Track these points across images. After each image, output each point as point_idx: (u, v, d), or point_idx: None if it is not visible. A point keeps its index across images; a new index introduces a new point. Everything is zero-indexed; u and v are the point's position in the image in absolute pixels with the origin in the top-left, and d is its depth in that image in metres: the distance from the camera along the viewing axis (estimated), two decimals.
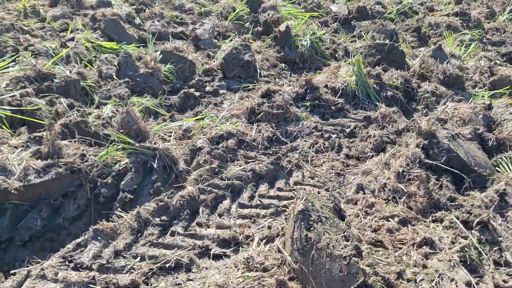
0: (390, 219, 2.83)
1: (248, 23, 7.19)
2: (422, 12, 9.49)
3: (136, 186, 3.08)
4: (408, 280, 2.32)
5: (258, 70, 5.19)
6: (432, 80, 4.77)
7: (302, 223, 2.22)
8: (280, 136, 3.87)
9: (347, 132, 4.00)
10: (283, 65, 5.60)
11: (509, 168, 3.28)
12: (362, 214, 2.87)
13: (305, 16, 7.19)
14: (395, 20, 8.54)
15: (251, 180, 3.19)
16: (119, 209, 2.88)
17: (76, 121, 3.39)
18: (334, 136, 3.90)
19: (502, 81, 4.72)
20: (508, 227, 2.84)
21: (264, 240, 2.57)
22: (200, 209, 2.87)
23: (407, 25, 7.89)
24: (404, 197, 3.00)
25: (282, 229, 2.63)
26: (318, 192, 2.57)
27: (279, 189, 3.15)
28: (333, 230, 2.24)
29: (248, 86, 4.89)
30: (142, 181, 3.15)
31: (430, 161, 3.17)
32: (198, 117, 4.02)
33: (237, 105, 4.30)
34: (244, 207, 2.95)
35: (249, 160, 3.50)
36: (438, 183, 3.10)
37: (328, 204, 2.43)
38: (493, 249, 2.65)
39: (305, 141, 3.82)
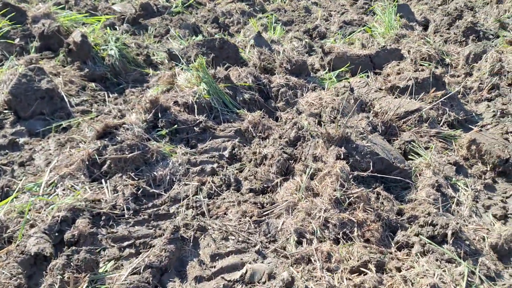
0: (362, 269, 2.01)
1: (18, 39, 5.27)
2: (204, 3, 8.90)
3: None
4: None
5: (66, 99, 3.65)
6: (279, 72, 4.11)
7: None
8: (148, 188, 2.62)
9: (227, 156, 3.01)
10: (93, 84, 4.15)
11: (423, 153, 2.83)
12: (325, 276, 1.97)
13: (99, 21, 5.69)
14: (185, 14, 7.71)
15: (152, 284, 1.91)
16: None
17: None
18: (215, 166, 2.86)
19: (340, 59, 4.38)
20: (466, 225, 2.37)
21: None
22: None
23: (204, 16, 7.14)
24: (356, 229, 2.22)
25: None
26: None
27: (198, 279, 1.99)
28: None
29: (61, 124, 3.35)
30: None
31: (360, 173, 2.47)
32: (11, 197, 2.39)
33: (61, 158, 2.80)
34: None
35: (123, 244, 2.19)
36: (377, 197, 2.42)
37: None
38: (477, 263, 2.12)
39: (186, 184, 2.67)
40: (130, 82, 4.41)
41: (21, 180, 2.61)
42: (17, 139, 3.17)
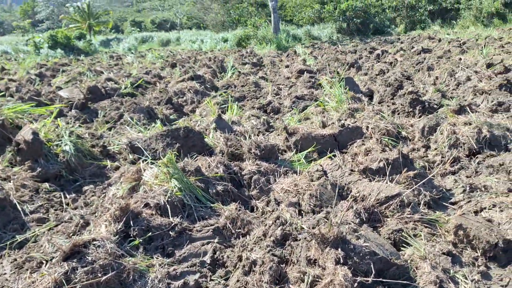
0: None
1: None
2: (153, 82, 8.85)
3: None
4: None
5: (19, 206, 3.26)
6: (248, 157, 3.98)
7: None
8: None
9: (209, 262, 2.73)
10: (46, 185, 3.78)
11: (414, 243, 2.73)
12: None
13: (47, 110, 5.38)
14: (136, 94, 7.57)
15: None
16: None
17: None
18: (198, 276, 2.57)
19: (305, 140, 4.35)
20: None
21: None
22: None
23: (156, 97, 7.01)
24: None
25: None
26: None
27: None
28: None
29: (16, 240, 2.94)
30: None
31: (364, 279, 2.29)
32: None
33: (21, 285, 2.39)
34: None
35: None
36: None
37: None
38: None
39: None
40: (87, 177, 4.08)
41: None
42: None
